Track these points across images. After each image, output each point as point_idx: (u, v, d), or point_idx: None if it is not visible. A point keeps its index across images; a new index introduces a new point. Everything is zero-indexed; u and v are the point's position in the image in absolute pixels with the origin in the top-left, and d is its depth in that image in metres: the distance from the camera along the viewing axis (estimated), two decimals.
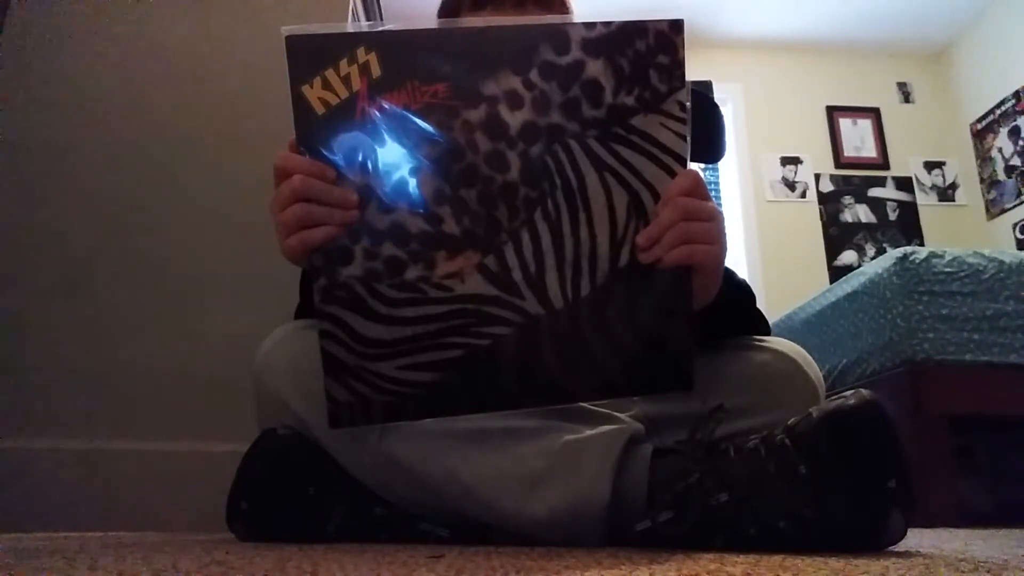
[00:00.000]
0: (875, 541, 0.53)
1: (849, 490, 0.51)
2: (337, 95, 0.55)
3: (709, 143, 1.47)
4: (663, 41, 0.57)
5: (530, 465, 0.59)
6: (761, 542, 0.53)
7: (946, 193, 3.68)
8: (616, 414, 0.63)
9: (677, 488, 0.55)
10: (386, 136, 0.54)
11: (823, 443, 0.52)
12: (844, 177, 3.67)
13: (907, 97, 3.85)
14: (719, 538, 0.54)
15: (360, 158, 0.55)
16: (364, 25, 0.47)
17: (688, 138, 0.59)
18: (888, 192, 3.67)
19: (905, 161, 3.72)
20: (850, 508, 0.51)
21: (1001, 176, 3.43)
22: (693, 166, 1.01)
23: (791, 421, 0.55)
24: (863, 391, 0.54)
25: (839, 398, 0.54)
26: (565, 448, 0.59)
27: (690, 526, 0.54)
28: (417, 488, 0.62)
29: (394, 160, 0.55)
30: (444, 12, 0.89)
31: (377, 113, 0.54)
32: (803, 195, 3.64)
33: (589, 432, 0.60)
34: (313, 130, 0.56)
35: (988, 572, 0.39)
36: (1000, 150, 3.44)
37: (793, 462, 0.53)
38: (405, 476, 0.62)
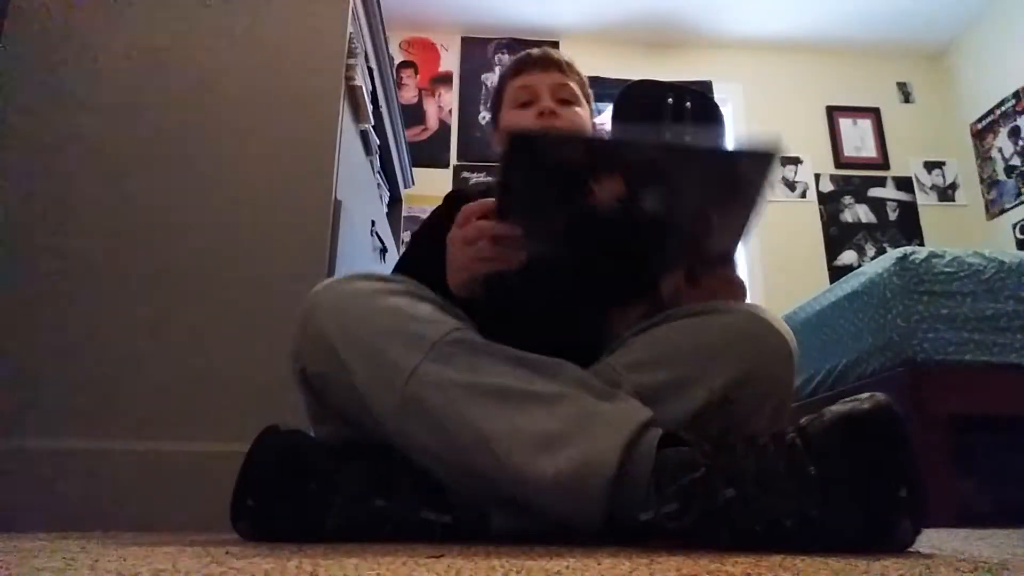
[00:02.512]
0: (882, 546, 0.53)
1: (859, 496, 0.51)
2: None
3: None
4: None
5: (545, 426, 0.61)
6: (767, 540, 0.52)
7: (946, 193, 3.68)
8: (632, 399, 0.65)
9: (682, 481, 0.55)
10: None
11: (834, 445, 0.52)
12: (844, 177, 3.67)
13: (907, 97, 3.84)
14: (724, 533, 0.53)
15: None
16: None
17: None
18: (888, 192, 3.67)
19: (905, 161, 3.72)
20: (859, 514, 0.51)
21: (1001, 176, 3.43)
22: None
23: (803, 420, 0.55)
24: (879, 395, 0.53)
25: (854, 400, 0.54)
26: (581, 415, 0.61)
27: (694, 520, 0.54)
28: (434, 434, 0.64)
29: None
30: (501, 78, 1.12)
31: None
32: (803, 195, 3.64)
33: (608, 405, 0.62)
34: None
35: (988, 572, 0.39)
36: (1000, 150, 3.44)
37: (803, 462, 0.52)
38: (425, 420, 0.64)
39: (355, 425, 0.71)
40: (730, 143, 0.69)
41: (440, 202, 1.12)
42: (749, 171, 0.71)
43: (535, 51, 1.12)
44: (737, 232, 0.79)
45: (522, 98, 1.08)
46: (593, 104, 1.17)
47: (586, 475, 0.58)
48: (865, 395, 0.54)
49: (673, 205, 0.73)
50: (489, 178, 3.41)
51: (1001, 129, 3.43)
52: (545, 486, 0.59)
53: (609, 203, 0.70)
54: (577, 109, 1.09)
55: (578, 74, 1.13)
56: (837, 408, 0.53)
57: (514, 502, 0.64)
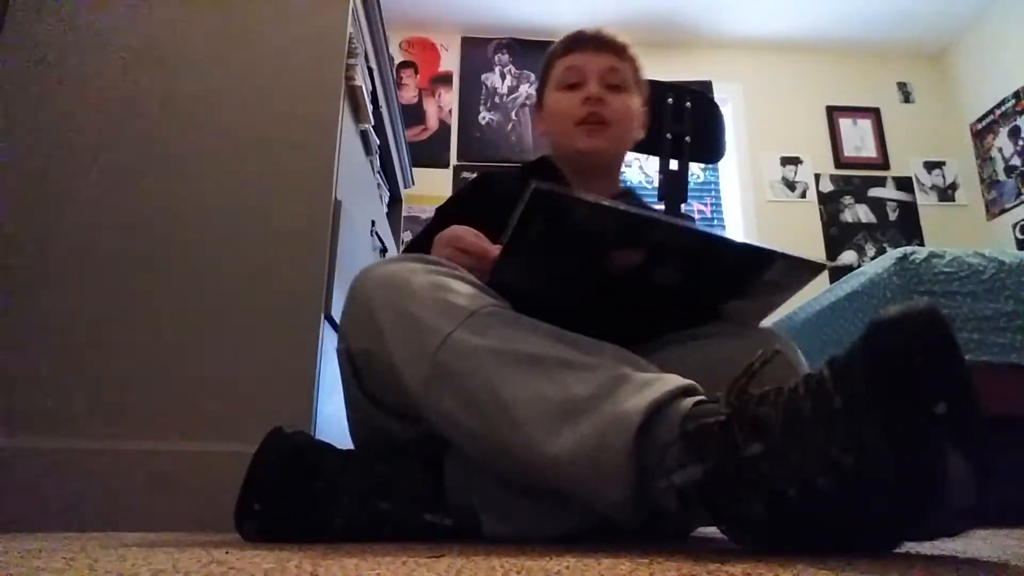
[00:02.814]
0: (936, 507, 0.40)
1: (886, 420, 0.39)
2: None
3: (709, 143, 1.46)
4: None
5: (572, 391, 0.57)
6: (804, 506, 0.43)
7: (946, 193, 3.68)
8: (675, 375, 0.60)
9: (689, 428, 0.48)
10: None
11: (858, 366, 0.41)
12: (844, 177, 3.67)
13: (907, 97, 3.85)
14: (757, 501, 0.44)
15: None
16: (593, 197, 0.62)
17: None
18: (888, 192, 3.67)
19: (905, 161, 3.72)
20: (890, 445, 0.39)
21: (1001, 176, 3.43)
22: (694, 167, 1.06)
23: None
24: (917, 300, 0.44)
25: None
26: (613, 380, 0.57)
27: (713, 479, 0.46)
28: (461, 403, 0.61)
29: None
30: (549, 54, 1.06)
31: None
32: (803, 195, 3.64)
33: (645, 374, 0.58)
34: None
35: (988, 572, 0.39)
36: (1000, 150, 3.44)
37: (829, 395, 0.42)
38: (451, 387, 0.62)
39: (390, 410, 0.71)
40: (772, 245, 0.68)
41: (445, 199, 1.10)
42: (785, 276, 0.70)
43: (589, 29, 1.05)
44: (752, 316, 0.78)
45: (569, 79, 1.01)
46: (645, 90, 1.09)
47: (605, 440, 0.52)
48: (905, 303, 0.42)
49: (688, 284, 0.71)
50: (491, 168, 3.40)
51: (1001, 129, 3.43)
52: (564, 460, 0.54)
53: (620, 269, 0.67)
54: (627, 97, 1.01)
55: (633, 58, 1.05)
56: (873, 317, 0.43)
57: (506, 505, 0.63)
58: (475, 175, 1.06)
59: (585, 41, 1.02)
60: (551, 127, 1.05)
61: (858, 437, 0.40)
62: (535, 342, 0.62)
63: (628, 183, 0.98)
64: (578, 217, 0.63)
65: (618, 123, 0.99)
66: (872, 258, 3.33)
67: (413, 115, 3.57)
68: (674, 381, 0.55)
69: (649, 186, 3.66)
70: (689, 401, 0.53)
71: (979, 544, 0.67)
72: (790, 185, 3.65)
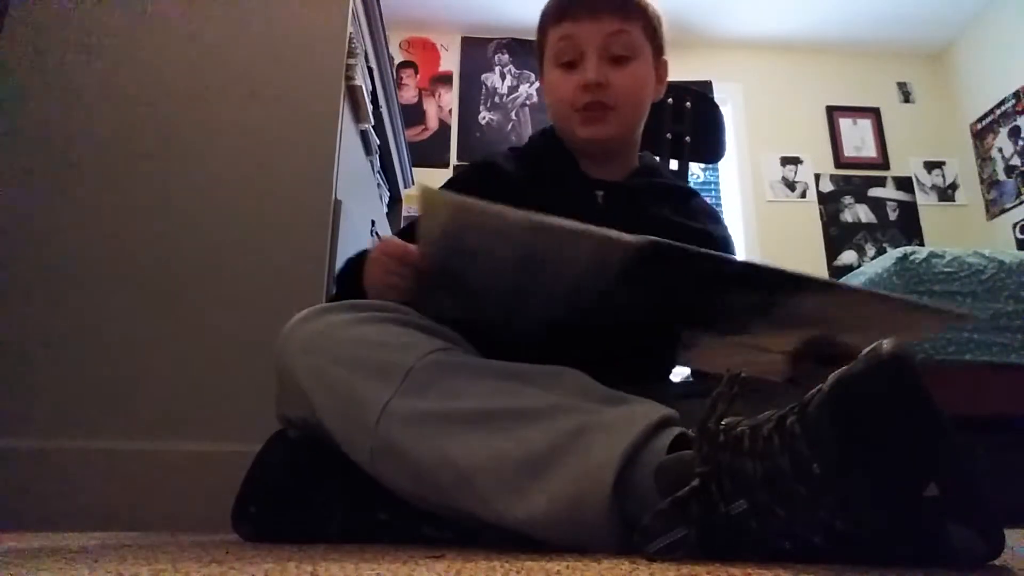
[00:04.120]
0: (952, 560, 0.39)
1: (875, 500, 0.38)
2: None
3: (709, 143, 1.46)
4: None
5: (533, 447, 0.52)
6: (802, 558, 0.41)
7: (946, 193, 3.68)
8: (648, 401, 0.56)
9: (679, 495, 0.44)
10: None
11: (826, 430, 0.39)
12: (844, 177, 3.67)
13: (907, 97, 3.85)
14: (753, 554, 0.43)
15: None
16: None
17: None
18: (888, 192, 3.67)
19: (905, 161, 3.72)
20: (884, 521, 0.38)
21: (1001, 176, 3.43)
22: (694, 167, 1.02)
23: (809, 393, 0.42)
24: (883, 345, 0.39)
25: (864, 354, 0.40)
26: (577, 426, 0.52)
27: (700, 540, 0.43)
28: (411, 476, 0.56)
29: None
30: (541, 21, 0.92)
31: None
32: (803, 195, 3.64)
33: (612, 411, 0.53)
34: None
35: (988, 571, 0.39)
36: (1000, 150, 3.44)
37: (805, 457, 0.40)
38: (400, 462, 0.56)
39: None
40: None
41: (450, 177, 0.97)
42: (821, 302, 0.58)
43: None
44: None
45: (565, 55, 0.86)
46: (661, 35, 0.90)
47: (579, 501, 0.49)
48: (870, 347, 0.39)
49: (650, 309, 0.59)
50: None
51: (1001, 129, 3.43)
52: (538, 524, 0.51)
53: (563, 293, 0.56)
54: (636, 66, 0.85)
55: (644, 12, 0.87)
56: (837, 372, 0.40)
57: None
58: (466, 164, 0.95)
59: (578, 5, 0.85)
60: (551, 108, 0.92)
61: (846, 504, 0.39)
62: (483, 391, 0.56)
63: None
64: (475, 226, 0.53)
65: (624, 104, 0.85)
66: (872, 258, 3.33)
67: (413, 115, 3.57)
68: (647, 416, 0.52)
69: None
70: (661, 444, 0.50)
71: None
72: (790, 185, 3.65)
